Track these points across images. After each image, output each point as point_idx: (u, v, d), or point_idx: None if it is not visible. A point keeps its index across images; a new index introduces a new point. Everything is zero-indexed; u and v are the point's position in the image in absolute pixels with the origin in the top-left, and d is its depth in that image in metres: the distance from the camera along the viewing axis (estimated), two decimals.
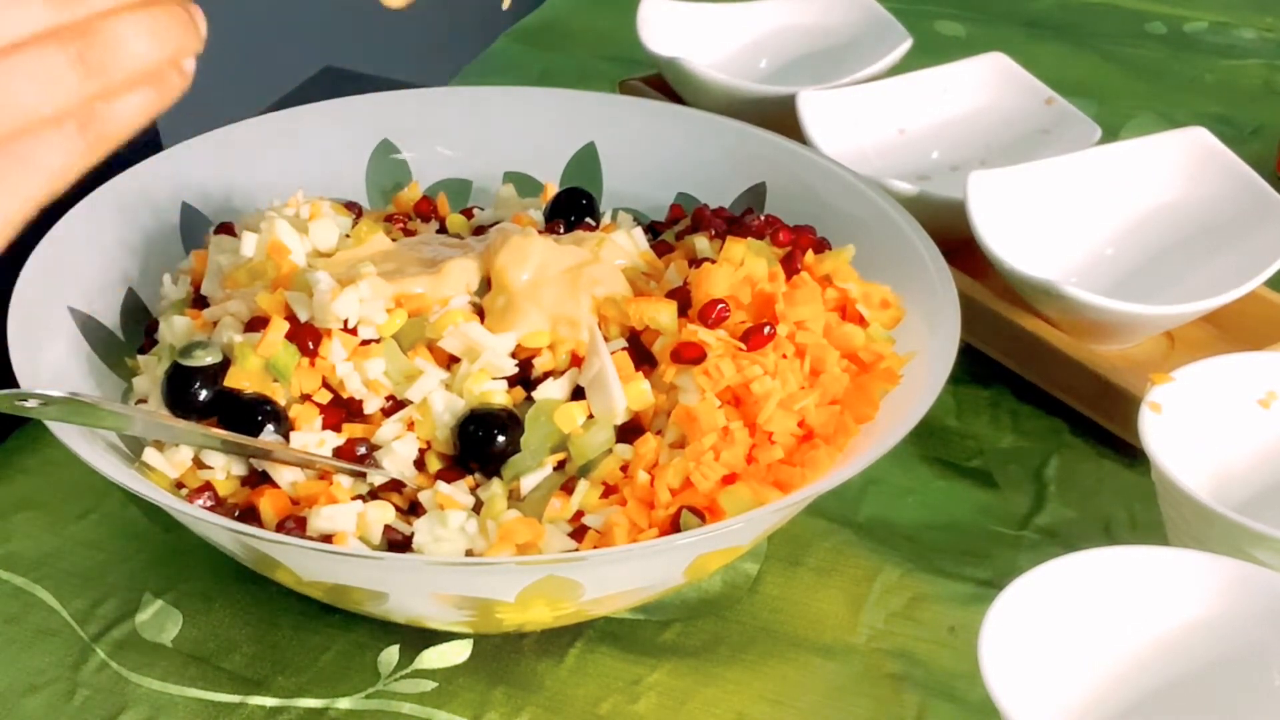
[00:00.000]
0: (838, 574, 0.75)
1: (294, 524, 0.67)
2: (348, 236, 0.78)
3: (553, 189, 0.87)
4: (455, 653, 0.70)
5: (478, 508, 0.68)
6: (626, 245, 0.77)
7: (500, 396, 0.70)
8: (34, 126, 0.51)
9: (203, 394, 0.69)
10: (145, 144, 0.90)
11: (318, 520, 0.66)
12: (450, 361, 0.71)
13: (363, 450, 0.69)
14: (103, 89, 0.51)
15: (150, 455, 0.69)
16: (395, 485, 0.69)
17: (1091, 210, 0.91)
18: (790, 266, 0.74)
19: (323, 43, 2.39)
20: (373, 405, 0.70)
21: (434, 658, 0.70)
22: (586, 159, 0.89)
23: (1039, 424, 0.85)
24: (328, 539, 0.66)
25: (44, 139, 0.51)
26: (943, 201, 0.89)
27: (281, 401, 0.69)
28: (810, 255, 0.75)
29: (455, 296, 0.73)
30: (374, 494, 0.69)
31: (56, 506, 0.77)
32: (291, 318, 0.71)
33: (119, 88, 0.52)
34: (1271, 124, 1.12)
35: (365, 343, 0.71)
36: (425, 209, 0.86)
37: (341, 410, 0.70)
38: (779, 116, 0.96)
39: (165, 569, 0.74)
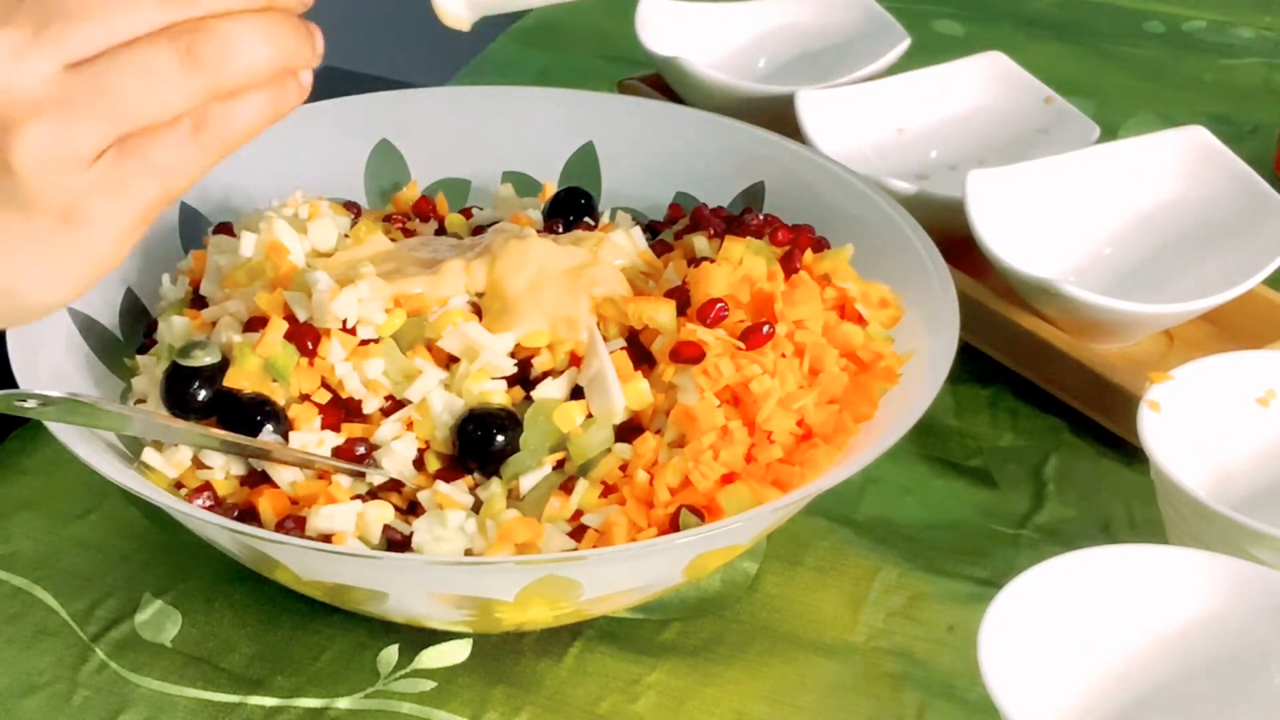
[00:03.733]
0: (837, 573, 0.75)
1: (293, 524, 0.67)
2: (346, 236, 0.78)
3: (551, 188, 0.87)
4: (455, 652, 0.70)
5: (477, 507, 0.68)
6: (625, 245, 0.77)
7: (499, 396, 0.70)
8: (148, 126, 0.51)
9: (201, 394, 0.69)
10: None
11: (317, 520, 0.66)
12: (449, 361, 0.71)
13: (362, 450, 0.69)
14: (214, 87, 0.51)
15: (149, 455, 0.69)
16: (394, 485, 0.69)
17: (1090, 209, 0.91)
18: (789, 266, 0.74)
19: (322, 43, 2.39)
20: (372, 405, 0.70)
21: (433, 657, 0.70)
22: (585, 158, 0.89)
23: (1038, 423, 0.85)
24: (327, 539, 0.66)
25: (159, 138, 0.51)
26: (942, 201, 0.89)
27: (280, 401, 0.69)
28: (809, 254, 0.75)
29: (454, 296, 0.73)
30: (373, 494, 0.69)
31: (56, 506, 0.77)
32: (290, 318, 0.71)
33: (233, 89, 0.52)
34: (1270, 123, 1.12)
35: (364, 343, 0.71)
36: (424, 209, 0.86)
37: (340, 410, 0.70)
38: (778, 116, 0.96)
39: (165, 569, 0.74)
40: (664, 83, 1.09)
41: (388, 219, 0.84)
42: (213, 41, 0.51)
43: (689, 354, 0.69)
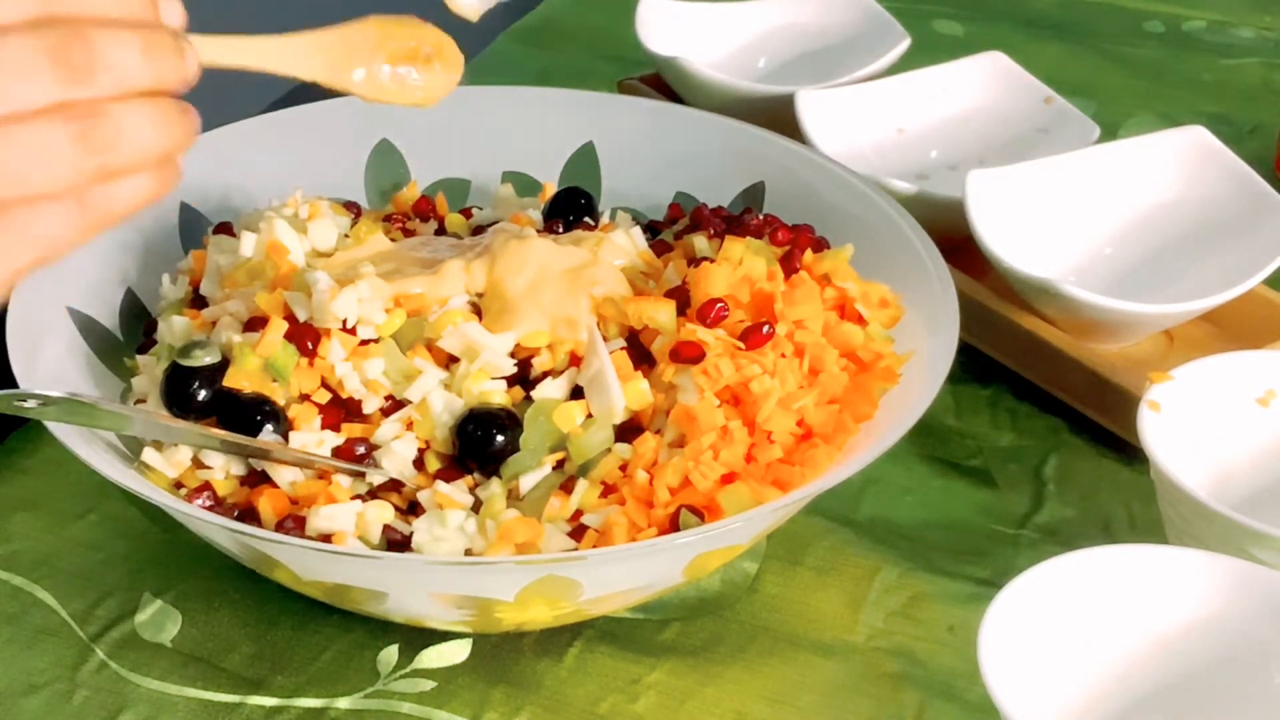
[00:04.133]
0: (837, 573, 0.75)
1: (293, 524, 0.67)
2: (346, 236, 0.78)
3: (551, 188, 0.87)
4: (454, 652, 0.70)
5: (477, 507, 0.68)
6: (625, 245, 0.77)
7: (499, 396, 0.70)
8: (30, 197, 0.51)
9: (201, 394, 0.69)
10: None
11: (317, 520, 0.66)
12: (449, 361, 0.71)
13: (362, 450, 0.69)
14: (103, 169, 0.51)
15: (149, 455, 0.69)
16: (394, 485, 0.69)
17: (1090, 209, 0.91)
18: (789, 265, 0.74)
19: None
20: (372, 405, 0.70)
21: (433, 657, 0.70)
22: (585, 158, 0.89)
23: (1038, 423, 0.85)
24: (327, 539, 0.66)
25: (40, 210, 0.51)
26: (942, 200, 0.89)
27: (280, 401, 0.69)
28: (809, 254, 0.75)
29: (454, 296, 0.73)
30: (373, 494, 0.69)
31: (56, 506, 0.77)
32: (290, 318, 0.71)
33: (119, 171, 0.52)
34: (1270, 123, 1.12)
35: (364, 343, 0.71)
36: (424, 209, 0.86)
37: (340, 410, 0.70)
38: (778, 116, 0.96)
39: (165, 569, 0.74)
40: (664, 83, 1.09)
41: (388, 219, 0.84)
42: (107, 126, 0.51)
43: (689, 354, 0.69)
